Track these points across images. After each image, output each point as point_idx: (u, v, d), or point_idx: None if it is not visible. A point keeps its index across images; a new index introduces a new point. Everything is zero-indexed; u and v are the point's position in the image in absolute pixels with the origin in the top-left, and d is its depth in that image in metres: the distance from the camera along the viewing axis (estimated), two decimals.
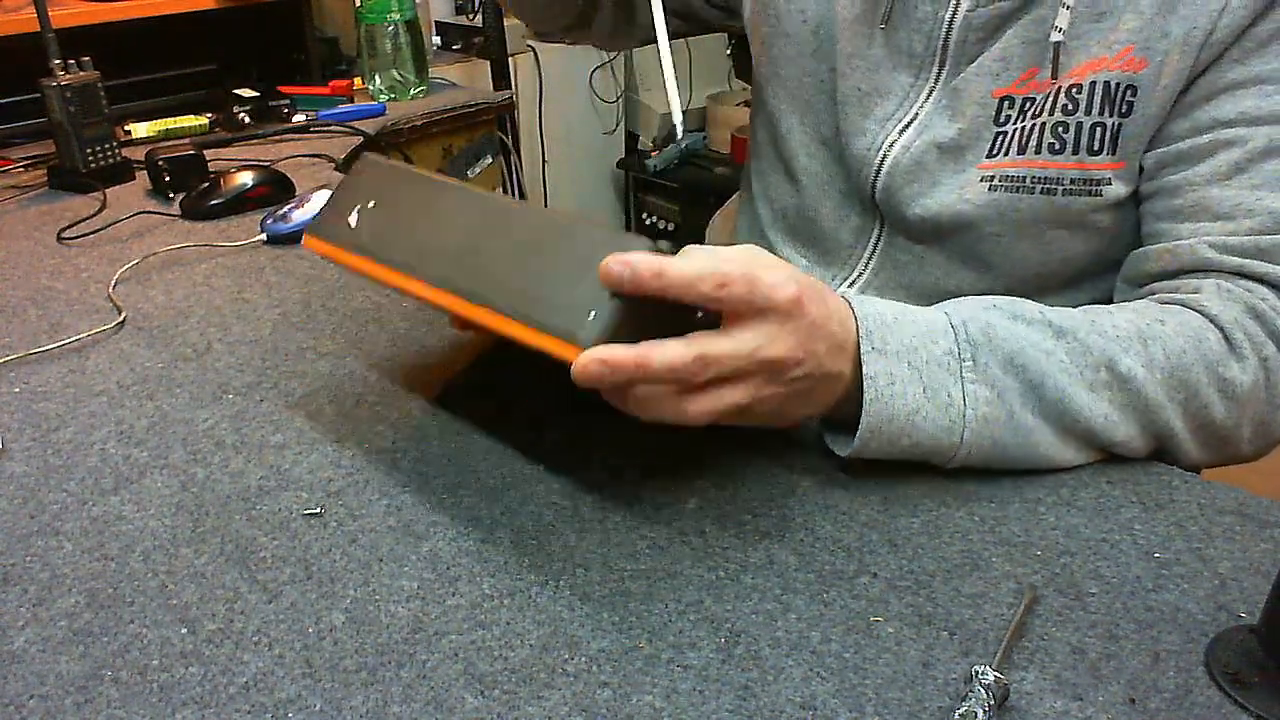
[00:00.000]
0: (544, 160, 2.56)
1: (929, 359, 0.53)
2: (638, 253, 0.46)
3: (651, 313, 0.48)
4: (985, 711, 0.40)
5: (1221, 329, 0.58)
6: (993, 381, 0.53)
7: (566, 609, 0.48)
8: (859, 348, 0.52)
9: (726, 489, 0.56)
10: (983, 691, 0.41)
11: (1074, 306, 0.75)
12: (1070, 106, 0.67)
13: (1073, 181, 0.68)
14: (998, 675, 0.41)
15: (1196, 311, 0.59)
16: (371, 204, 0.59)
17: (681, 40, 1.26)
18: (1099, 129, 0.66)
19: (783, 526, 0.53)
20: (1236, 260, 0.61)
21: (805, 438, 0.60)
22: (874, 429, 0.53)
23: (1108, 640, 0.46)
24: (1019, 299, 0.58)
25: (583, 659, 0.45)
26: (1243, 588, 0.49)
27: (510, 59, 2.12)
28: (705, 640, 0.46)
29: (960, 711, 0.40)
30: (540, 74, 2.44)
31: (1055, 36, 0.65)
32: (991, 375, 0.53)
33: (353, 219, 0.60)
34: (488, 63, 2.07)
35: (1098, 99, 0.66)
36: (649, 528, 0.53)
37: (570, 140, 2.65)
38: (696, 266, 0.46)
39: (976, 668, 0.42)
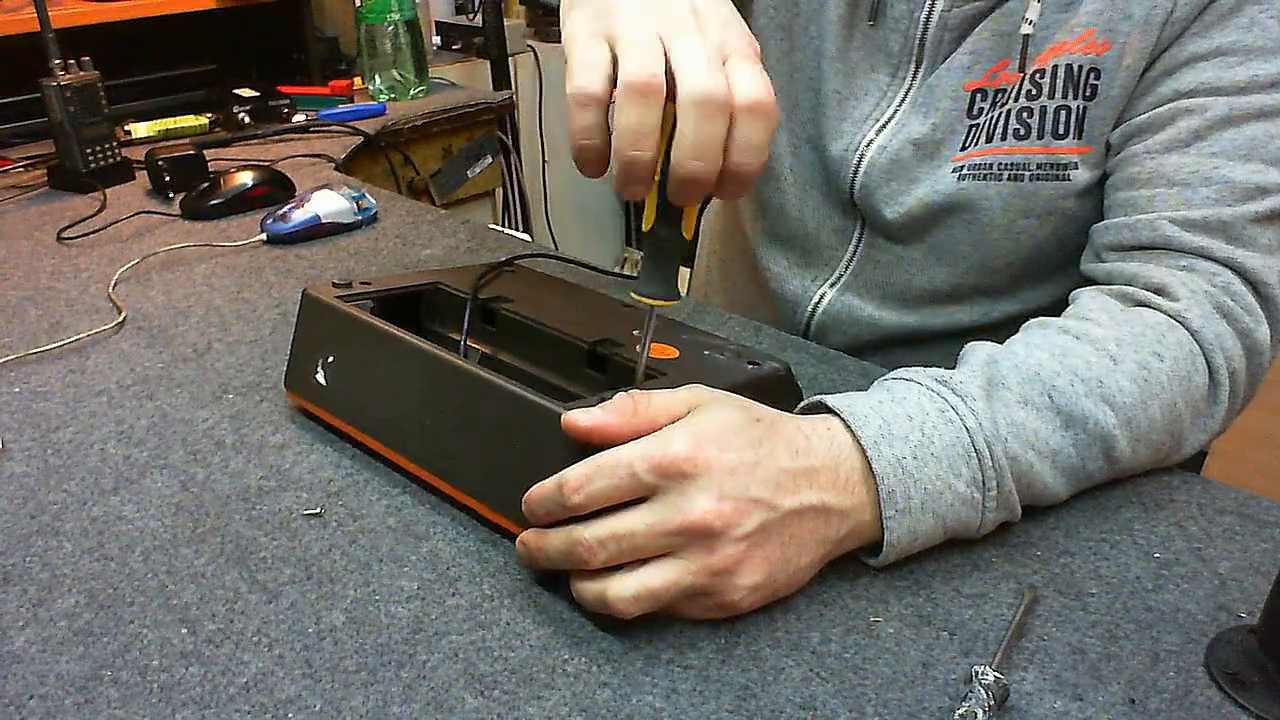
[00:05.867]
0: (544, 160, 2.56)
1: (953, 501, 0.49)
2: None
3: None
4: (985, 711, 0.40)
5: (1207, 358, 0.57)
6: (1011, 507, 0.51)
7: (566, 609, 0.48)
8: (880, 504, 0.47)
9: None
10: (983, 691, 0.41)
11: (1045, 299, 0.74)
12: (1034, 91, 0.67)
13: (1039, 166, 0.68)
14: (998, 675, 0.41)
15: (1181, 326, 0.57)
16: (331, 359, 0.61)
17: None
18: (1063, 112, 0.66)
19: None
20: (1199, 240, 0.60)
21: None
22: (890, 557, 0.49)
23: (1108, 640, 0.46)
24: (1026, 366, 0.53)
25: (583, 659, 0.45)
26: (1243, 588, 0.49)
27: (510, 59, 2.12)
28: (705, 640, 0.46)
29: (960, 711, 0.40)
30: (540, 74, 2.44)
31: (1025, 29, 0.65)
32: (1011, 502, 0.51)
33: (320, 376, 0.62)
34: (488, 63, 2.07)
35: (1060, 82, 0.66)
36: None
37: None
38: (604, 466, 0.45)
39: (976, 668, 0.42)
